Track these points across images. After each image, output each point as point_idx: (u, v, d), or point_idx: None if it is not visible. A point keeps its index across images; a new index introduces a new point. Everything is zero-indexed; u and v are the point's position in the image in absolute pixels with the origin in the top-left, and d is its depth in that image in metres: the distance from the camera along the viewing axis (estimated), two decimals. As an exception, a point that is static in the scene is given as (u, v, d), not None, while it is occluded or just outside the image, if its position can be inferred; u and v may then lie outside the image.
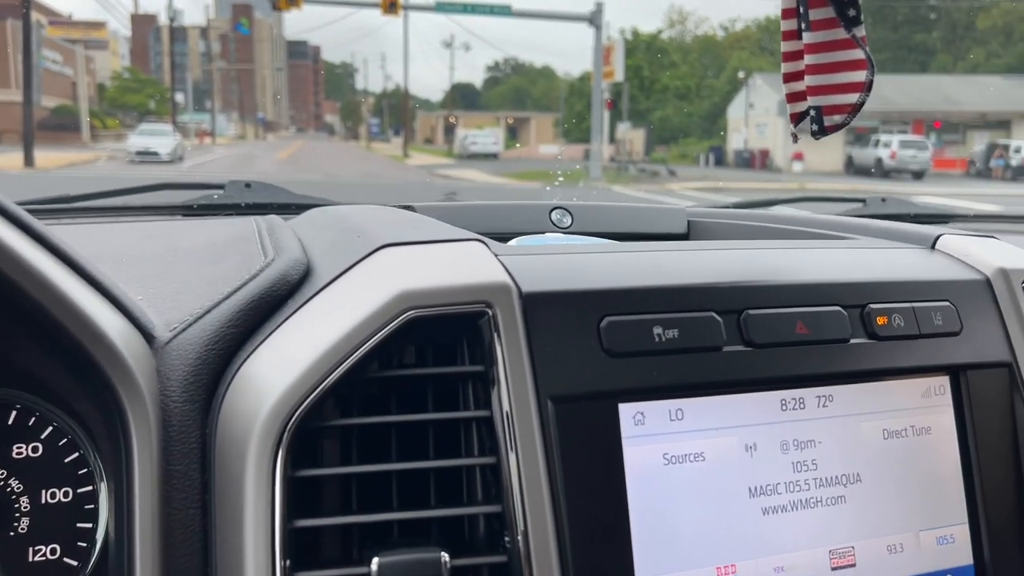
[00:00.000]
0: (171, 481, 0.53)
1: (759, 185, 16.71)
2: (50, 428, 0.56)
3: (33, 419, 0.56)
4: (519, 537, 0.53)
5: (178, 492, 0.54)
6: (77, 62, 36.26)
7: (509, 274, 0.58)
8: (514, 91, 67.18)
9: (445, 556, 0.52)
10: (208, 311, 0.59)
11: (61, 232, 0.55)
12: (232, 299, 0.59)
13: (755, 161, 27.28)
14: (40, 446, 0.56)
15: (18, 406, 0.56)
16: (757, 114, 28.82)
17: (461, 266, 0.59)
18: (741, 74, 33.11)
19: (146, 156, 20.84)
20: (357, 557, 0.53)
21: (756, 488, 0.60)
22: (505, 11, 18.81)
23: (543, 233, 0.94)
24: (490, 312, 0.56)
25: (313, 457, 0.55)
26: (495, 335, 0.56)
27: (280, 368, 0.54)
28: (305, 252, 0.67)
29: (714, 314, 0.60)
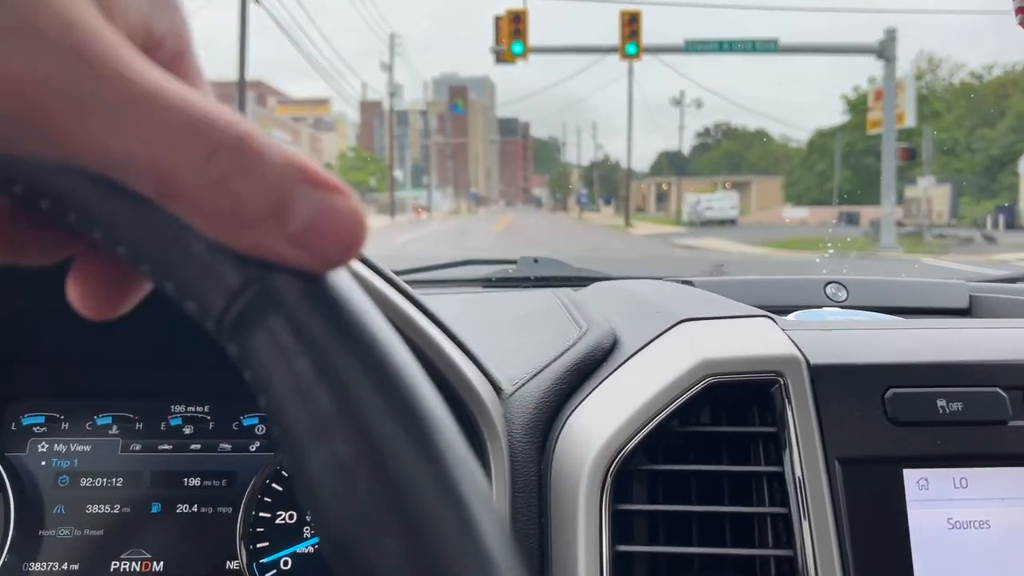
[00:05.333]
0: (517, 505, 0.70)
1: None
2: None
3: None
4: (811, 580, 0.64)
5: (521, 515, 0.70)
6: (303, 139, 40.89)
7: (798, 347, 0.71)
8: (726, 156, 66.45)
9: (746, 588, 0.64)
10: (541, 370, 0.76)
11: None
12: (559, 362, 0.77)
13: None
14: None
15: None
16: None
17: (754, 339, 0.72)
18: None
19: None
20: None
21: (1045, 559, 0.66)
22: (770, 47, 16.31)
23: (820, 308, 1.04)
24: (781, 381, 0.69)
25: (627, 495, 0.69)
26: (786, 401, 0.68)
27: (602, 421, 0.70)
28: (609, 324, 0.84)
29: (999, 390, 0.68)
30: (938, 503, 0.67)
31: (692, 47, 16.46)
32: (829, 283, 1.10)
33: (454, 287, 1.42)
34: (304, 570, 0.81)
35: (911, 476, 0.67)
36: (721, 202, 32.72)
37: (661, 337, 0.76)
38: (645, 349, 0.75)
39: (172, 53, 0.25)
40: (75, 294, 0.26)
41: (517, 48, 14.35)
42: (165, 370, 0.88)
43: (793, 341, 0.72)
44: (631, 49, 14.67)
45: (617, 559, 0.66)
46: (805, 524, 0.65)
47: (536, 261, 1.45)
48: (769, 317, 0.77)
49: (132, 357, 0.88)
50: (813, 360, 0.70)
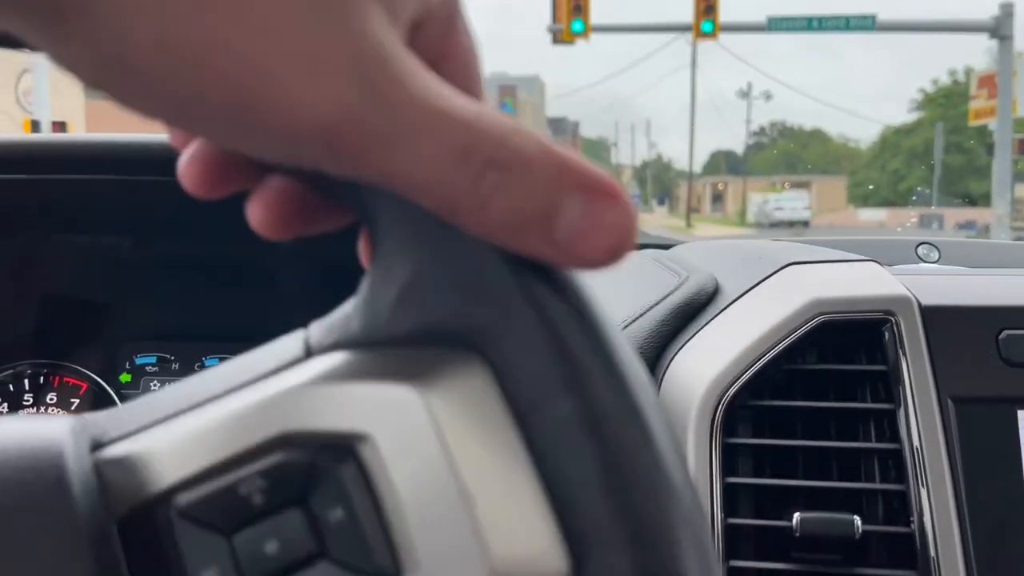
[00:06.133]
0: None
1: None
2: None
3: None
4: (925, 515, 0.64)
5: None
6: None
7: (908, 289, 0.71)
8: (782, 155, 65.30)
9: (858, 520, 0.64)
10: (644, 312, 0.78)
11: None
12: (661, 305, 0.78)
13: None
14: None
15: None
16: None
17: (863, 280, 0.73)
18: None
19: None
20: (775, 514, 0.67)
21: None
22: (867, 24, 13.26)
23: (915, 265, 1.04)
24: (893, 320, 0.69)
25: (732, 431, 0.71)
26: (898, 341, 0.69)
27: (710, 360, 0.71)
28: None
29: None
30: (1052, 443, 0.67)
31: (776, 25, 13.25)
32: (921, 244, 1.09)
33: None
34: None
35: (1025, 416, 0.67)
36: (793, 202, 30.84)
37: (768, 280, 0.76)
38: (751, 292, 0.76)
39: (444, 19, 0.24)
40: (256, 215, 0.27)
41: (577, 26, 12.11)
42: (267, 315, 0.92)
43: (903, 284, 0.72)
44: (707, 27, 12.11)
45: (726, 491, 0.67)
46: (919, 459, 0.66)
47: None
48: (875, 261, 0.77)
49: (235, 303, 0.92)
50: (924, 301, 0.70)
